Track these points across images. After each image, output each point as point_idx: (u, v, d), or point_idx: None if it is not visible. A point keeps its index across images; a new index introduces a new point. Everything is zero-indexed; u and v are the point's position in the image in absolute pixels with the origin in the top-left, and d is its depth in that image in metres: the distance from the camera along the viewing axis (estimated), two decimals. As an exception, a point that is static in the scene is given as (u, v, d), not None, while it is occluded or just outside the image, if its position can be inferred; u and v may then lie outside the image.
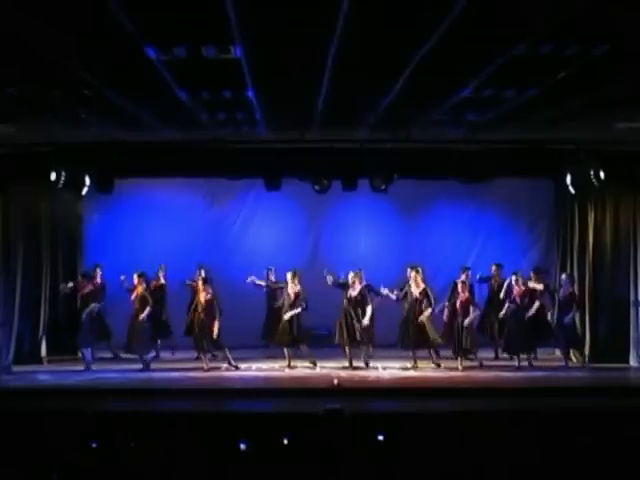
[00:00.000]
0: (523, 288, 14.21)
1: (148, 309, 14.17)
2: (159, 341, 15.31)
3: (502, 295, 14.43)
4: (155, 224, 16.51)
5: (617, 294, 15.10)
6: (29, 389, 12.80)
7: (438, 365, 14.30)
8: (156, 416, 10.05)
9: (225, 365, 14.25)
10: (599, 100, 9.91)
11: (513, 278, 14.31)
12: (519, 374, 13.91)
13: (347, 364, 14.26)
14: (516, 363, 14.22)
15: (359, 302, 14.15)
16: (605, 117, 11.36)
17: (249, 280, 14.91)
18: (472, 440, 8.23)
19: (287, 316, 14.22)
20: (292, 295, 14.34)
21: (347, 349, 14.29)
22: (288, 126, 12.52)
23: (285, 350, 14.45)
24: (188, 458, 7.50)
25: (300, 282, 14.44)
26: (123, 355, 14.96)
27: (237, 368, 14.15)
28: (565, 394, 12.36)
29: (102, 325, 14.87)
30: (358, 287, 14.16)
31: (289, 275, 14.48)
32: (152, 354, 14.74)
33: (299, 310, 14.26)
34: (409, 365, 14.36)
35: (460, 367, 14.08)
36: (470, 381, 13.51)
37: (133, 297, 14.25)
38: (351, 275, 14.24)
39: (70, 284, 14.77)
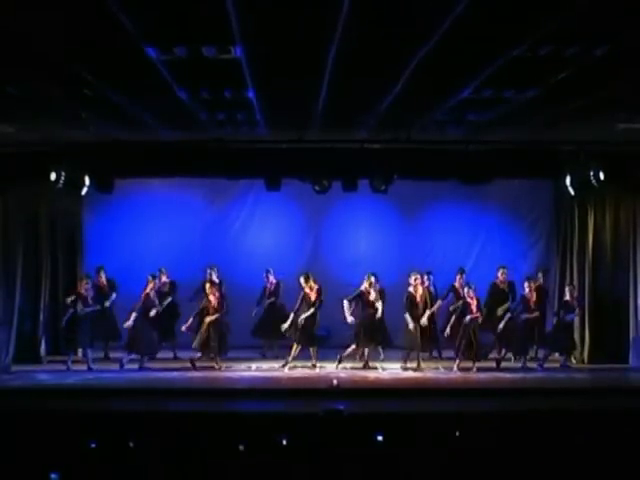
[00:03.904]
0: (535, 293, 14.24)
1: (154, 310, 14.27)
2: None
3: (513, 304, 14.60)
4: (155, 224, 16.51)
5: (616, 294, 15.13)
6: (28, 388, 12.80)
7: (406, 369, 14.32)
8: (156, 416, 10.05)
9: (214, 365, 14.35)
10: (599, 101, 9.91)
11: (526, 285, 14.33)
12: (519, 375, 13.92)
13: (361, 365, 14.36)
14: (520, 364, 14.27)
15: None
16: (605, 118, 11.37)
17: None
18: (471, 440, 8.23)
19: (302, 318, 14.24)
20: (312, 296, 14.34)
21: (366, 351, 14.39)
22: (288, 126, 12.52)
23: (312, 350, 14.47)
24: (187, 458, 7.50)
25: (315, 282, 14.46)
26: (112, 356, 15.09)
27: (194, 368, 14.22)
28: (564, 394, 12.37)
29: (110, 326, 14.91)
30: (373, 291, 14.26)
31: (302, 279, 14.44)
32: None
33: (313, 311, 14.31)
34: (408, 365, 14.40)
35: (474, 369, 14.06)
36: (470, 382, 13.52)
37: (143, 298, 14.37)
38: (364, 282, 14.33)
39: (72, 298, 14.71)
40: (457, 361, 14.11)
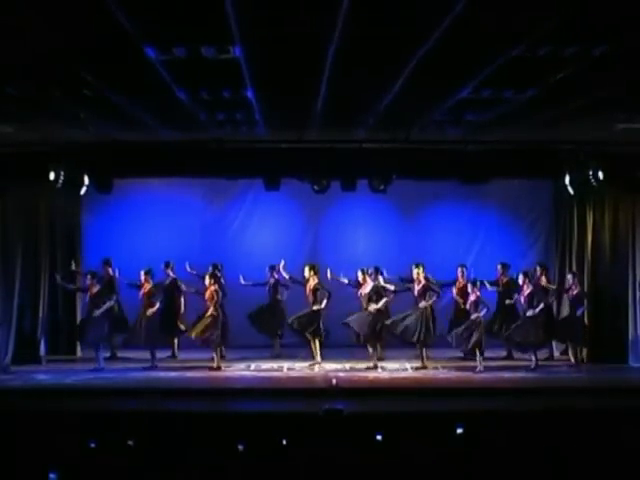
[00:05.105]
0: (532, 288, 14.23)
1: (157, 305, 14.31)
2: (176, 340, 15.40)
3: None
4: (154, 224, 16.50)
5: (615, 294, 15.14)
6: (28, 389, 12.80)
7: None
8: (155, 416, 10.05)
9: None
10: (598, 101, 9.91)
11: (521, 278, 14.35)
12: (519, 375, 13.91)
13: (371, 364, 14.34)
14: (532, 364, 14.19)
15: (372, 299, 14.24)
16: (604, 118, 11.37)
17: (331, 277, 14.55)
18: (471, 440, 8.24)
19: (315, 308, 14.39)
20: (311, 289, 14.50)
21: (369, 347, 14.44)
22: (287, 126, 12.52)
23: (314, 349, 14.55)
24: (187, 458, 7.50)
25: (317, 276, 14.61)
26: (120, 355, 15.15)
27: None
28: (564, 394, 12.38)
29: (120, 319, 14.92)
30: (370, 284, 14.24)
31: (307, 269, 14.62)
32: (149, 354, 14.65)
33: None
34: (408, 365, 14.44)
35: (480, 367, 13.99)
36: (470, 381, 13.52)
37: (142, 293, 14.40)
38: (360, 274, 14.43)
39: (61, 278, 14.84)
40: (479, 360, 14.02)
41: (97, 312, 14.14)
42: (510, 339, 14.72)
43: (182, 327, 15.10)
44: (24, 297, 14.92)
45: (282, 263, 15.11)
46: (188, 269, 15.00)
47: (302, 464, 7.38)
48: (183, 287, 14.98)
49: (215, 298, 14.11)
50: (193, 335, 14.20)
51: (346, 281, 14.49)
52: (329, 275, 14.49)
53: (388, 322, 14.36)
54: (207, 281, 14.29)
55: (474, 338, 13.87)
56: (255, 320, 15.27)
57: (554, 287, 14.82)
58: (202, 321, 14.14)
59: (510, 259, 15.53)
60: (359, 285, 14.43)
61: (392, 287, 14.41)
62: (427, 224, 17.06)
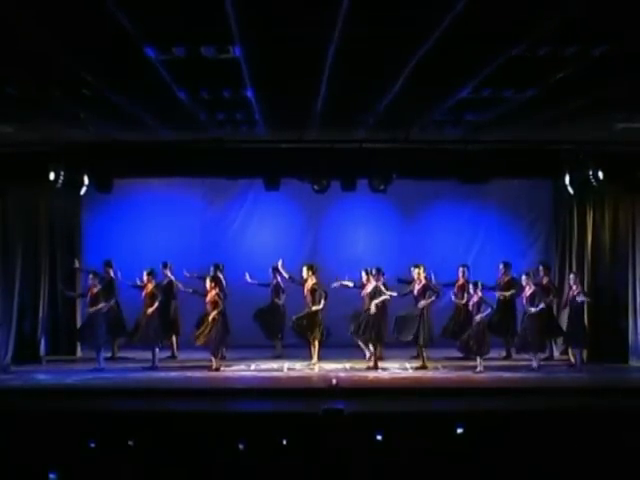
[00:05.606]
0: (534, 288, 14.20)
1: (157, 304, 14.28)
2: (174, 340, 15.37)
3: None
4: (154, 224, 16.51)
5: (615, 294, 15.13)
6: (28, 388, 12.80)
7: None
8: (155, 416, 10.05)
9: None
10: (598, 100, 9.91)
11: (524, 279, 14.32)
12: (519, 375, 13.91)
13: (372, 364, 14.29)
14: (534, 364, 14.15)
15: (373, 299, 14.22)
16: (604, 118, 11.37)
17: (337, 282, 14.57)
18: (471, 440, 8.24)
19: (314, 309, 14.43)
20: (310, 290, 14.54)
21: (370, 346, 14.42)
22: (287, 126, 12.52)
23: (313, 349, 14.57)
24: (187, 458, 7.50)
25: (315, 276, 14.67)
26: (120, 355, 15.16)
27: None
28: (564, 394, 12.38)
29: (119, 321, 14.91)
30: (372, 284, 14.24)
31: (305, 269, 14.67)
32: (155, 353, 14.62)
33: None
34: (408, 365, 14.44)
35: (480, 367, 13.98)
36: (470, 381, 13.52)
37: (144, 294, 14.39)
38: (364, 275, 14.45)
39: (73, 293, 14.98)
40: (479, 361, 14.01)
41: (92, 310, 14.12)
42: (511, 341, 14.77)
43: (176, 332, 15.15)
44: (24, 297, 14.92)
45: (280, 262, 15.10)
46: (187, 274, 14.96)
47: (302, 464, 7.39)
48: (181, 287, 14.98)
49: (219, 304, 14.06)
50: (198, 343, 14.16)
51: (351, 284, 14.49)
52: (336, 282, 14.45)
53: (387, 322, 14.35)
54: (208, 284, 14.25)
55: (481, 343, 13.87)
56: (257, 321, 15.29)
57: (557, 299, 14.84)
58: (204, 326, 14.10)
59: (510, 258, 15.51)
60: (363, 286, 14.43)
61: (395, 293, 14.36)
62: (427, 224, 17.07)
